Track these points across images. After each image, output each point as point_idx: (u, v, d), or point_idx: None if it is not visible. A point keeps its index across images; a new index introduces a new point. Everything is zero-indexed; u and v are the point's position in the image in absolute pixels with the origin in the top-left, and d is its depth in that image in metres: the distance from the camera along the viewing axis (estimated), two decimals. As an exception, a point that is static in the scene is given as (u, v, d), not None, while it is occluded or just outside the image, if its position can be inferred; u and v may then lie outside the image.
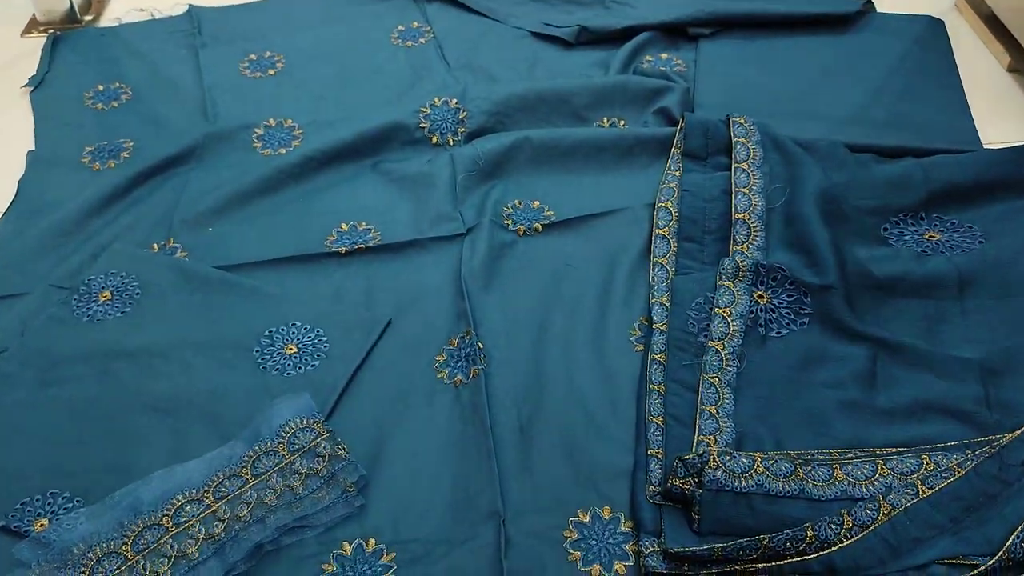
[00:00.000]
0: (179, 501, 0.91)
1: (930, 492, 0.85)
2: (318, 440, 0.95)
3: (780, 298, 1.07)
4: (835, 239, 1.11)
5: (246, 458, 0.94)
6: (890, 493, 0.85)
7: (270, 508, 0.91)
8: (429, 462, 0.96)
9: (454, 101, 1.40)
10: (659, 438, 0.95)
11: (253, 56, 1.60)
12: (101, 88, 1.54)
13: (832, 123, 1.37)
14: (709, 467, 0.86)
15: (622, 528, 0.90)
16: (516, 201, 1.27)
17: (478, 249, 1.18)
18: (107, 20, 1.76)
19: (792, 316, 1.06)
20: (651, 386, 1.01)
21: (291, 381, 1.04)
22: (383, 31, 1.65)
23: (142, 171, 1.33)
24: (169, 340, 1.09)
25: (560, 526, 0.90)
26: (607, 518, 0.91)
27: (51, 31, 1.70)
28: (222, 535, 0.89)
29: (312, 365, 1.06)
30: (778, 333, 1.05)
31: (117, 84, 1.54)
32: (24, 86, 1.54)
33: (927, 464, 0.88)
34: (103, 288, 1.15)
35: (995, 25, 1.54)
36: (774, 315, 1.06)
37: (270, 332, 1.10)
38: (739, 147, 1.25)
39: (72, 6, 1.72)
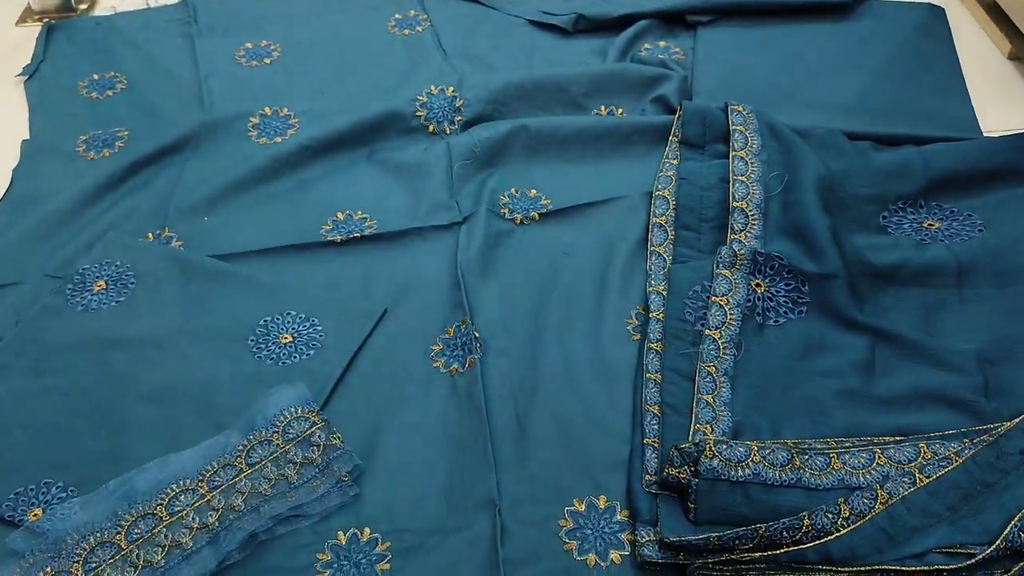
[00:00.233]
0: (173, 490, 0.91)
1: (928, 481, 0.84)
2: (313, 429, 0.95)
3: (778, 287, 1.06)
4: (834, 227, 1.10)
5: (240, 447, 0.94)
6: (888, 482, 0.85)
7: (264, 497, 0.90)
8: (425, 451, 0.96)
9: (450, 89, 1.40)
10: (655, 427, 0.95)
11: (249, 45, 1.59)
12: (96, 77, 1.53)
13: (831, 111, 1.36)
14: (705, 456, 0.85)
15: (618, 517, 0.90)
16: (513, 190, 1.26)
17: (474, 238, 1.17)
18: (102, 9, 1.75)
19: (790, 305, 1.05)
20: (647, 375, 1.00)
21: (286, 370, 1.04)
22: (379, 20, 1.64)
23: (137, 160, 1.32)
24: (164, 329, 1.08)
25: (556, 515, 0.90)
26: (603, 507, 0.90)
27: (46, 20, 1.69)
28: (216, 524, 0.88)
29: (307, 354, 1.05)
30: (776, 322, 1.04)
31: (112, 73, 1.53)
32: (18, 75, 1.53)
33: (925, 453, 0.88)
34: (98, 277, 1.14)
35: (996, 12, 1.53)
36: (772, 304, 1.05)
37: (265, 321, 1.09)
38: (737, 135, 1.24)
39: (67, -6, 1.71)
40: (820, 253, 1.07)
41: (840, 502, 0.83)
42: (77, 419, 0.99)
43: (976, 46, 1.51)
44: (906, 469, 0.86)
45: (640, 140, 1.32)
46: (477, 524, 0.88)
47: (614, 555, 0.86)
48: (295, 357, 1.05)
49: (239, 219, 1.24)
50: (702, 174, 1.22)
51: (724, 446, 0.86)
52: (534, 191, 1.26)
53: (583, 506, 0.91)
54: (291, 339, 1.07)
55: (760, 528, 0.81)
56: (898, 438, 0.91)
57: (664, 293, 1.08)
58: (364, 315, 1.10)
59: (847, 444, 0.91)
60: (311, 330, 1.08)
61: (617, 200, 1.24)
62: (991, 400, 0.96)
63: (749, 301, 1.05)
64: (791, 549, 0.81)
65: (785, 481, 0.85)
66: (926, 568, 0.81)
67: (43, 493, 0.93)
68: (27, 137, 1.41)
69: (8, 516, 0.91)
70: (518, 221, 1.22)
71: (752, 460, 0.86)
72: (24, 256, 1.19)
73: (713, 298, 1.05)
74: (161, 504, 0.90)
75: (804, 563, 0.82)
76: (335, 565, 0.87)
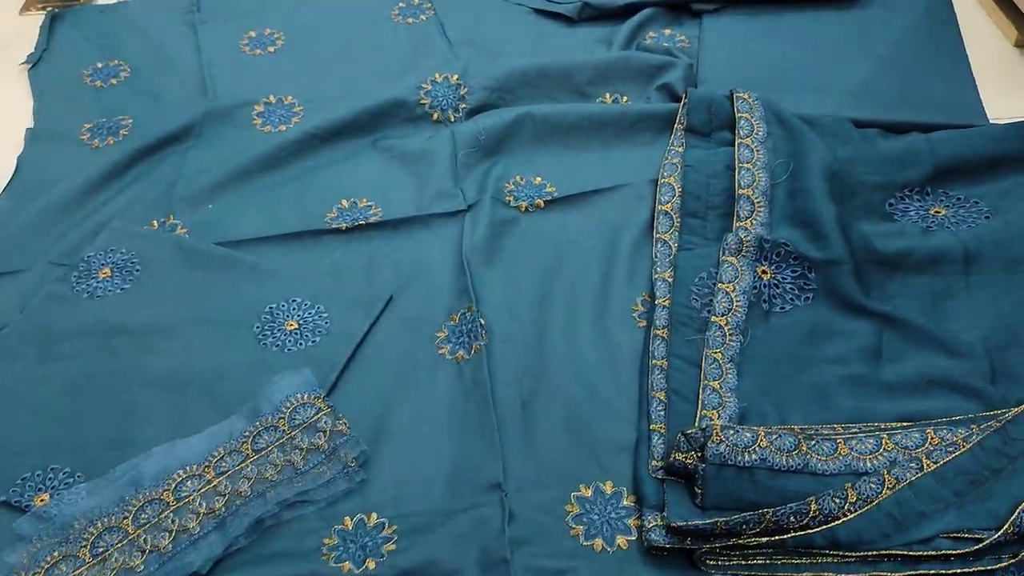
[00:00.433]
0: (180, 476, 0.91)
1: (935, 466, 0.84)
2: (319, 415, 0.95)
3: (784, 273, 1.06)
4: (840, 214, 1.10)
5: (247, 433, 0.94)
6: (895, 467, 0.85)
7: (271, 483, 0.90)
8: (431, 437, 0.96)
9: (455, 77, 1.39)
10: (661, 413, 0.95)
11: (253, 33, 1.58)
12: (100, 66, 1.52)
13: (837, 98, 1.35)
14: (712, 441, 0.85)
15: (624, 503, 0.90)
16: (518, 177, 1.26)
17: (479, 226, 1.17)
18: (105, -3, 1.75)
19: (796, 292, 1.05)
20: (653, 362, 1.00)
21: (292, 357, 1.04)
22: (383, 8, 1.63)
23: (141, 148, 1.32)
24: (169, 317, 1.08)
25: (562, 500, 0.90)
26: (609, 493, 0.90)
27: (49, 8, 1.68)
28: (223, 510, 0.88)
29: (313, 341, 1.05)
30: (782, 309, 1.04)
31: (116, 61, 1.53)
32: (22, 63, 1.53)
33: (932, 439, 0.88)
34: (103, 265, 1.14)
35: (1002, 0, 1.53)
36: (778, 291, 1.05)
37: (271, 308, 1.09)
38: (743, 122, 1.24)
39: (71, -17, 1.70)
40: (826, 240, 1.07)
41: (847, 487, 0.83)
42: (83, 405, 1.00)
43: (982, 33, 1.51)
44: (913, 455, 0.86)
45: (645, 128, 1.32)
46: (484, 506, 0.89)
47: (620, 540, 0.87)
48: (301, 344, 1.05)
49: (243, 207, 1.24)
50: (708, 162, 1.22)
51: (731, 431, 0.86)
52: (539, 179, 1.26)
53: (589, 491, 0.91)
54: (297, 326, 1.07)
55: (767, 513, 0.81)
56: (905, 424, 0.91)
57: (670, 280, 1.08)
58: (370, 302, 1.10)
59: (854, 430, 0.91)
60: (317, 317, 1.08)
61: (622, 188, 1.23)
62: (998, 386, 0.95)
63: (755, 288, 1.05)
64: (798, 534, 0.81)
65: (792, 466, 0.85)
66: (933, 553, 0.81)
67: (50, 479, 0.93)
68: (31, 125, 1.41)
69: (15, 501, 0.91)
70: (523, 209, 1.21)
71: (759, 445, 0.85)
72: (29, 244, 1.19)
73: (719, 285, 1.05)
74: (168, 490, 0.90)
75: (811, 548, 0.82)
76: (341, 548, 0.87)
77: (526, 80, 1.40)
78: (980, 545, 0.80)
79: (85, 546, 0.85)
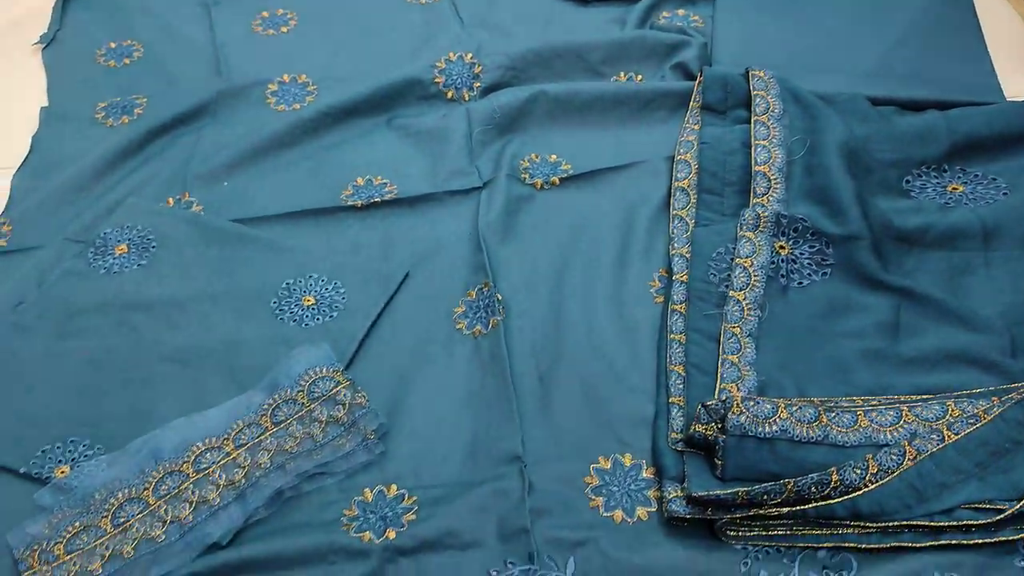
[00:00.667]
0: (199, 448, 0.91)
1: (956, 438, 0.84)
2: (338, 388, 0.95)
3: (801, 249, 1.06)
4: (858, 190, 1.10)
5: (266, 406, 0.94)
6: (915, 439, 0.84)
7: (290, 455, 0.91)
8: (449, 410, 0.96)
9: (469, 56, 1.39)
10: (680, 386, 0.95)
11: (265, 13, 1.58)
12: (113, 45, 1.52)
13: (853, 76, 1.34)
14: (732, 413, 0.85)
15: (643, 475, 0.90)
16: (533, 155, 1.26)
17: (495, 203, 1.17)
18: (118, -22, 1.74)
19: (814, 267, 1.05)
20: (671, 336, 1.00)
21: (309, 331, 1.04)
22: (396, -12, 1.62)
23: (155, 127, 1.32)
24: (186, 292, 1.08)
25: (581, 472, 0.90)
26: (628, 465, 0.91)
27: (61, -11, 1.68)
28: (242, 481, 0.89)
29: (330, 316, 1.05)
30: (800, 284, 1.04)
31: (129, 41, 1.53)
32: (35, 43, 1.52)
33: (952, 411, 0.87)
34: (119, 241, 1.14)
35: (1018, -22, 1.52)
36: (795, 266, 1.05)
37: (287, 284, 1.09)
38: (758, 100, 1.23)
39: (82, -36, 1.69)
40: (844, 215, 1.06)
41: (868, 458, 0.83)
42: (101, 379, 1.00)
43: (998, 13, 1.49)
44: (934, 427, 0.86)
45: (661, 105, 1.31)
46: (503, 478, 0.89)
47: (640, 511, 0.87)
48: (318, 319, 1.05)
49: (259, 184, 1.24)
50: (724, 139, 1.21)
51: (751, 403, 0.86)
52: (554, 156, 1.26)
53: (609, 463, 0.91)
54: (314, 301, 1.07)
55: (788, 483, 0.81)
56: (925, 396, 0.91)
57: (687, 256, 1.08)
58: (386, 278, 1.10)
59: (874, 402, 0.91)
60: (334, 293, 1.08)
61: (638, 164, 1.23)
62: (1018, 360, 0.95)
63: (773, 263, 1.04)
64: (819, 504, 0.81)
65: (812, 438, 0.85)
66: (955, 524, 0.81)
67: (69, 451, 0.93)
68: (46, 104, 1.41)
69: (36, 473, 0.91)
70: (539, 186, 1.21)
71: (779, 417, 0.85)
72: (45, 221, 1.19)
73: (737, 260, 1.04)
74: (187, 461, 0.90)
75: (832, 518, 0.82)
76: (361, 519, 0.87)
77: (540, 59, 1.39)
78: (1001, 515, 0.81)
79: (106, 516, 0.86)
